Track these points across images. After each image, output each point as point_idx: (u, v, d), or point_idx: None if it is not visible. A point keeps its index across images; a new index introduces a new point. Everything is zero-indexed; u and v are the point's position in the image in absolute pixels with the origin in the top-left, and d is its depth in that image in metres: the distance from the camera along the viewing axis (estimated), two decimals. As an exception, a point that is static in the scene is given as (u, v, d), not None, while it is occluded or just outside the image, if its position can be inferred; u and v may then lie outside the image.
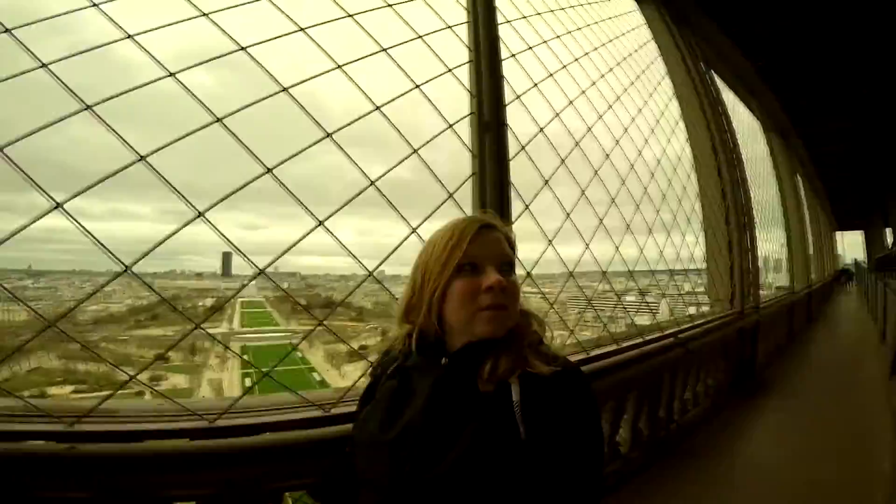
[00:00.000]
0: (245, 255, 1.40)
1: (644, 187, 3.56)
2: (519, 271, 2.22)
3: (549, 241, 2.41)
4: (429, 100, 2.10)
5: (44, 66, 1.40)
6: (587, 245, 2.72)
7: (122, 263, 1.22)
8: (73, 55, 1.48)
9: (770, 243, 8.63)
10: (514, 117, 2.35)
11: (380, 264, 1.81)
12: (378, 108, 1.92)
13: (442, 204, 2.00)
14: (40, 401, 1.47)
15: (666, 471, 3.05)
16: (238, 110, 1.44)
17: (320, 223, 1.56)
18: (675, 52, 4.98)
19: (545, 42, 2.91)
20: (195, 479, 1.47)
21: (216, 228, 1.29)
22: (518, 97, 2.47)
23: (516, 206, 2.26)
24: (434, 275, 1.01)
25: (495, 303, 0.98)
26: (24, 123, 1.36)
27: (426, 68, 2.19)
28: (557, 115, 2.76)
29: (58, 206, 1.16)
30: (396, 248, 1.82)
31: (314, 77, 1.73)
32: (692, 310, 4.64)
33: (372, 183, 1.73)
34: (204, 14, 1.75)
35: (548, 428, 0.92)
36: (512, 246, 1.11)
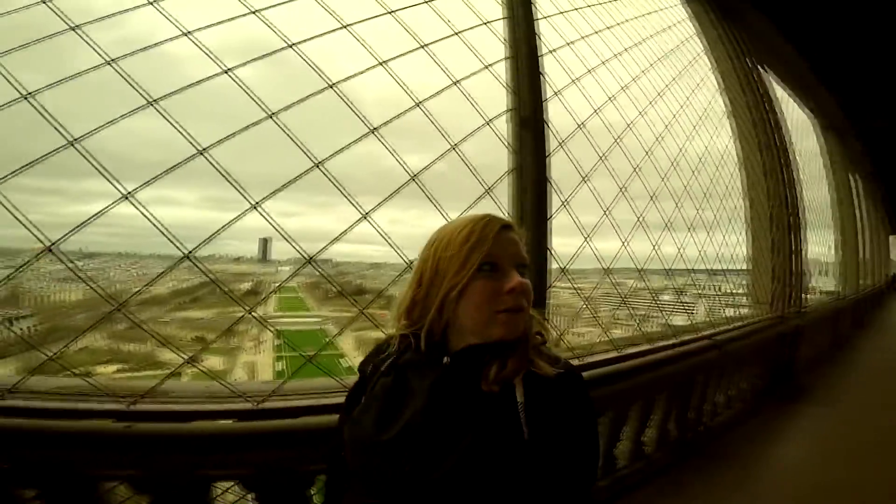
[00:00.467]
0: (295, 245, 1.47)
1: (685, 184, 3.47)
2: (553, 265, 2.23)
3: (586, 237, 2.40)
4: (468, 97, 2.11)
5: (109, 62, 1.48)
6: (624, 243, 2.67)
7: (183, 251, 1.30)
8: (137, 51, 1.57)
9: (819, 245, 8.22)
10: (554, 112, 2.34)
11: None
12: (418, 104, 1.96)
13: (480, 199, 2.01)
14: (100, 381, 1.56)
15: (691, 472, 3.00)
16: (289, 106, 1.50)
17: (364, 216, 1.61)
18: (722, 48, 4.79)
19: (584, 38, 2.86)
20: (238, 459, 1.54)
21: (270, 219, 1.36)
22: (556, 93, 2.45)
23: (555, 202, 2.25)
24: (451, 272, 0.97)
25: (516, 305, 0.97)
26: (83, 116, 1.46)
27: (464, 64, 2.20)
28: (596, 111, 2.72)
29: (127, 196, 1.25)
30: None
31: (359, 73, 1.77)
32: (730, 312, 4.50)
33: (413, 178, 1.77)
34: (253, 11, 1.81)
35: (551, 430, 0.93)
36: (524, 247, 1.10)
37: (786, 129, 5.50)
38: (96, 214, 1.24)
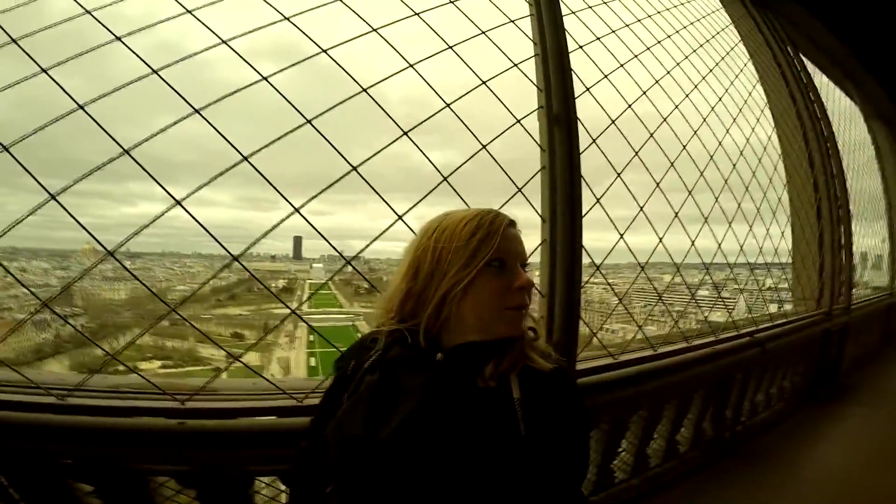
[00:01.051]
0: (335, 247, 1.51)
1: (724, 176, 3.36)
2: (586, 259, 2.20)
3: (621, 234, 2.36)
4: (497, 97, 2.11)
5: (155, 72, 1.55)
6: (660, 239, 2.61)
7: (231, 254, 1.36)
8: (181, 60, 1.64)
9: (870, 238, 7.79)
10: (585, 108, 2.30)
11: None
12: (448, 105, 1.97)
13: (511, 198, 2.01)
14: (154, 378, 1.64)
15: (726, 472, 2.96)
16: (324, 112, 1.54)
17: (399, 217, 1.64)
18: (760, 37, 4.59)
19: (614, 32, 2.79)
20: (280, 455, 1.56)
21: (311, 224, 1.39)
22: (588, 90, 2.40)
23: (587, 199, 2.21)
24: (457, 266, 0.94)
25: (522, 302, 0.97)
26: (127, 122, 1.53)
27: (490, 63, 2.19)
28: (630, 106, 2.65)
29: (179, 202, 1.31)
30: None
31: (390, 77, 1.80)
32: (773, 307, 4.33)
33: (444, 179, 1.78)
34: (286, 18, 1.86)
35: (547, 426, 0.93)
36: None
37: (830, 118, 5.23)
38: (152, 221, 1.31)
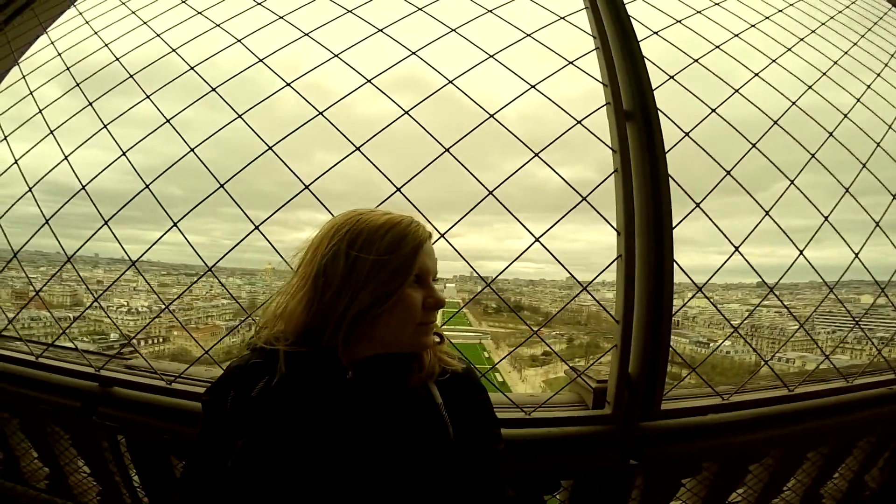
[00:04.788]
0: (474, 268, 1.67)
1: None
2: (764, 279, 1.90)
3: (800, 251, 1.97)
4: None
5: (320, 113, 1.84)
6: (856, 254, 2.12)
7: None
8: (339, 101, 1.92)
9: None
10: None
11: (596, 277, 1.85)
12: (579, 122, 1.89)
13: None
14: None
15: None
16: (460, 140, 1.69)
17: (537, 239, 1.69)
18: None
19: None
20: None
21: (454, 248, 1.53)
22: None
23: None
24: (376, 283, 0.87)
25: (434, 320, 0.96)
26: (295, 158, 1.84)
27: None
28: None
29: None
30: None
31: (513, 100, 1.88)
32: None
33: (584, 198, 1.75)
34: (413, 53, 2.03)
35: (470, 425, 0.97)
36: None
37: None
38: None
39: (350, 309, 0.87)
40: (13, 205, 2.04)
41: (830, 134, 2.19)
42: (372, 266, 0.87)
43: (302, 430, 0.87)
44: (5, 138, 2.12)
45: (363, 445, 0.87)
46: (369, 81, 1.97)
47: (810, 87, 2.26)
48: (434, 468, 0.89)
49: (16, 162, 2.03)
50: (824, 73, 2.36)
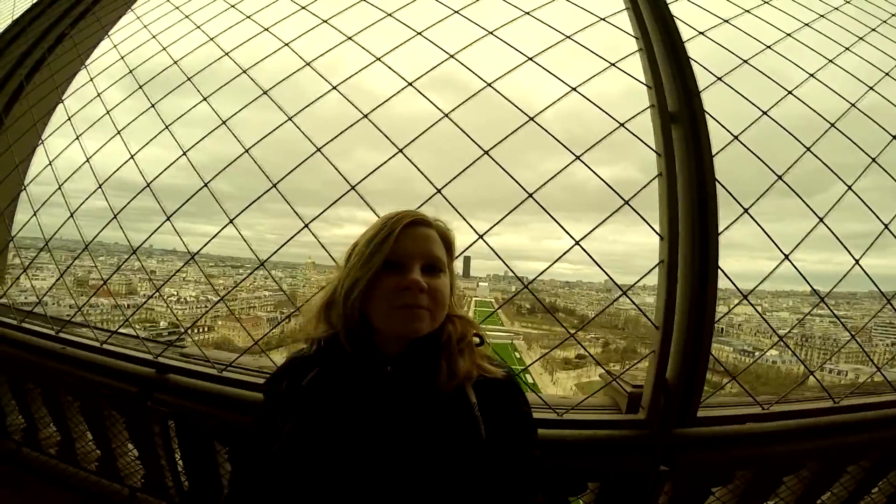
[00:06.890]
0: (512, 270, 1.68)
1: None
2: (814, 287, 1.88)
3: (856, 260, 1.90)
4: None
5: (365, 115, 1.90)
6: None
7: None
8: (382, 104, 1.98)
9: None
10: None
11: (637, 282, 1.83)
12: (622, 124, 1.85)
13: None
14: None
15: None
16: (500, 142, 1.70)
17: (577, 242, 1.68)
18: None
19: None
20: None
21: (492, 248, 1.55)
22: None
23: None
24: (355, 271, 0.97)
25: (409, 303, 0.95)
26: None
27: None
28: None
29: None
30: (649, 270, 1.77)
31: (555, 102, 1.88)
32: None
33: (626, 202, 1.73)
34: (451, 56, 2.05)
35: (503, 429, 0.96)
36: (448, 245, 1.05)
37: None
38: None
39: (340, 294, 0.98)
40: (86, 199, 2.19)
41: (894, 137, 2.09)
42: (355, 256, 0.99)
43: (340, 419, 0.94)
44: (77, 138, 2.27)
45: (396, 436, 0.92)
46: (410, 84, 2.01)
47: (871, 88, 2.15)
48: (463, 464, 0.91)
49: (87, 160, 2.18)
50: (887, 73, 2.24)
